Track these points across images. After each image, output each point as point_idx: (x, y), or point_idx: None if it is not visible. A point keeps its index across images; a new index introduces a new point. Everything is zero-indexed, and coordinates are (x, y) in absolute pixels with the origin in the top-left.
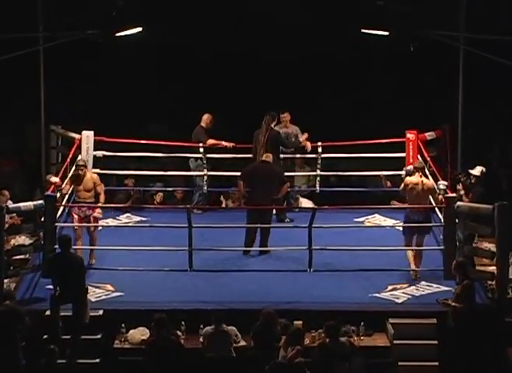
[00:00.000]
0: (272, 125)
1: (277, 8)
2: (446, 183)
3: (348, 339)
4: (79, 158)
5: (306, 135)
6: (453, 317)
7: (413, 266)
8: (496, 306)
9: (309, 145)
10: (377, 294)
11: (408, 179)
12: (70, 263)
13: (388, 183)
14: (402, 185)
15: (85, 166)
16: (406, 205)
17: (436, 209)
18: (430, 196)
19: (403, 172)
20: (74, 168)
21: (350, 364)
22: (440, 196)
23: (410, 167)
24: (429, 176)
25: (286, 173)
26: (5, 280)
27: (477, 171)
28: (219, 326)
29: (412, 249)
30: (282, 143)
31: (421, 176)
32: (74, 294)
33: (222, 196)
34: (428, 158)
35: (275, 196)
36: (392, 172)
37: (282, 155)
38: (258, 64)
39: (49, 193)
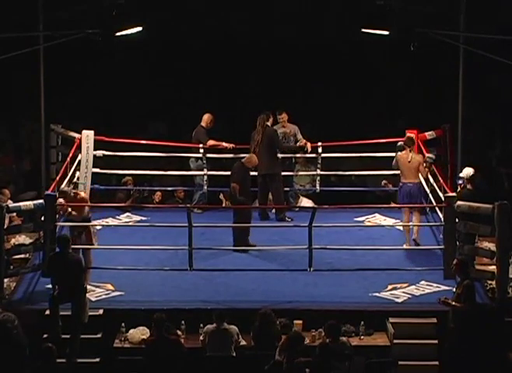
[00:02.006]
0: (269, 123)
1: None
2: (433, 156)
3: (348, 339)
4: (61, 188)
5: (308, 147)
6: (453, 317)
7: (408, 237)
8: (497, 306)
9: (309, 146)
10: (377, 294)
11: (399, 154)
12: (69, 263)
13: (390, 186)
14: (394, 160)
15: (66, 192)
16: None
17: (437, 208)
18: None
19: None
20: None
21: (350, 364)
22: (426, 169)
23: (400, 143)
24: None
25: (286, 173)
26: (5, 280)
27: (463, 173)
28: (221, 325)
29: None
30: (277, 143)
31: (410, 151)
32: (73, 294)
33: (222, 196)
34: (436, 170)
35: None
36: (392, 172)
37: (281, 155)
38: (258, 63)
39: (49, 192)
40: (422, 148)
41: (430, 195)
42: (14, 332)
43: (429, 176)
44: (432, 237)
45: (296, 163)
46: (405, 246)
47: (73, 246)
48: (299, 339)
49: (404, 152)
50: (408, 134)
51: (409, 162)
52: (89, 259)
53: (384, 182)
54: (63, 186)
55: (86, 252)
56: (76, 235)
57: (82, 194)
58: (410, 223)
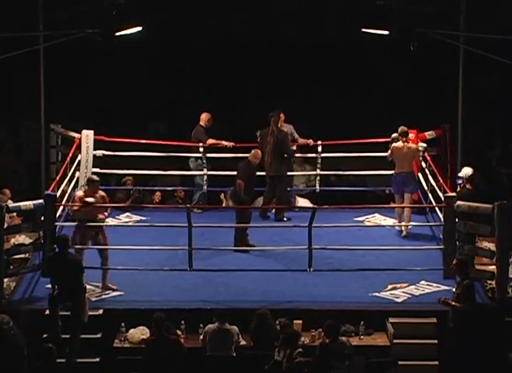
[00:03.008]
0: (279, 124)
1: (278, 5)
2: (424, 144)
3: (348, 339)
4: (91, 177)
5: (310, 141)
6: (453, 316)
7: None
8: (497, 306)
9: (311, 141)
10: (377, 294)
11: (394, 145)
12: (68, 263)
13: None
14: (389, 151)
15: (96, 181)
16: (404, 204)
17: (436, 208)
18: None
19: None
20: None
21: (350, 364)
22: (420, 158)
23: (395, 135)
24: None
25: (288, 172)
26: (5, 280)
27: (462, 173)
28: (223, 324)
29: (402, 207)
30: (286, 148)
31: (404, 142)
32: (72, 294)
33: (223, 196)
34: (428, 157)
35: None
36: (392, 172)
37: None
38: (258, 63)
39: (49, 192)
40: None
41: (430, 195)
42: (11, 333)
43: (423, 164)
44: (432, 237)
45: (293, 163)
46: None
47: (92, 247)
48: (295, 336)
49: (399, 143)
50: (402, 127)
51: (406, 152)
52: (107, 256)
53: (387, 189)
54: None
55: (105, 251)
56: (93, 234)
57: (103, 192)
58: (409, 223)
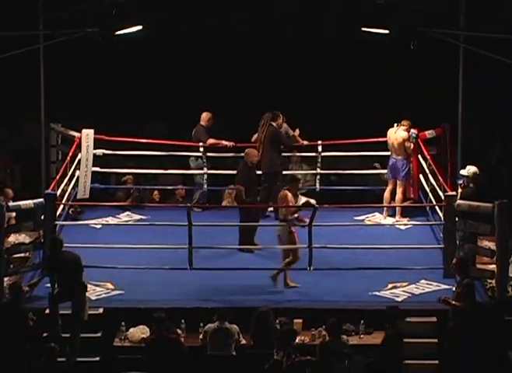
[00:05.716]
0: (275, 123)
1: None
2: (415, 131)
3: (347, 338)
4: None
5: (297, 132)
6: (453, 316)
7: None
8: (496, 304)
9: (304, 142)
10: (377, 293)
11: (389, 131)
12: (67, 262)
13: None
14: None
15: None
16: (405, 204)
17: (437, 207)
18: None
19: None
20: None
21: (350, 363)
22: (412, 145)
23: (412, 131)
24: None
25: (284, 172)
26: (5, 279)
27: (466, 171)
28: (222, 324)
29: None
30: (282, 140)
31: (398, 128)
32: (72, 293)
33: (227, 192)
34: (428, 156)
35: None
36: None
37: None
38: (258, 63)
39: (49, 191)
40: (422, 146)
41: (430, 194)
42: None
43: (416, 153)
44: (432, 236)
45: (289, 162)
46: (384, 214)
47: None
48: (291, 333)
49: (392, 129)
50: (406, 120)
51: (395, 138)
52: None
53: (375, 164)
54: None
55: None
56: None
57: None
58: (406, 221)
